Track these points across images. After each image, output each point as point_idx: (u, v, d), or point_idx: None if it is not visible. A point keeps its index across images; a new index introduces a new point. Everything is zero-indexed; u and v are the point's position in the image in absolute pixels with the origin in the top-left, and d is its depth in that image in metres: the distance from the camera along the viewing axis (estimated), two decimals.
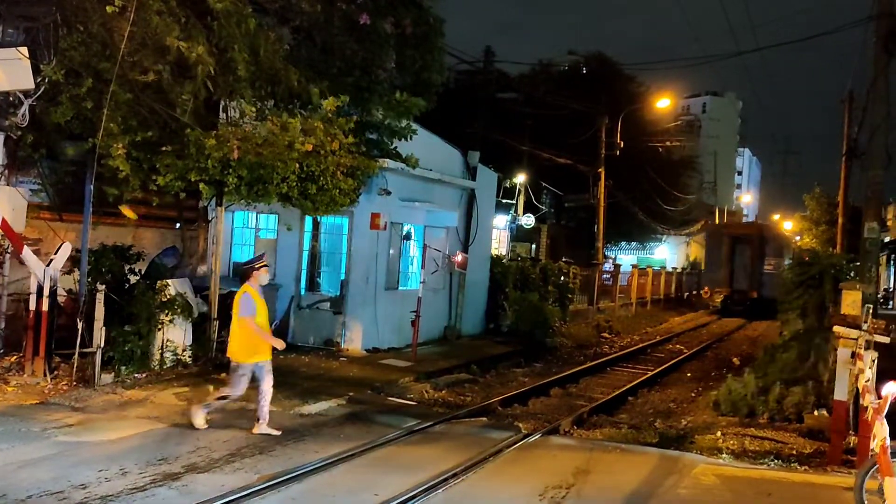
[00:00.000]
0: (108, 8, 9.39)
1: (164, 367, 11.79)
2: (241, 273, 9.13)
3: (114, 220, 13.41)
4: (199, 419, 8.83)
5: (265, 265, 9.10)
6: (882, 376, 7.75)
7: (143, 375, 11.30)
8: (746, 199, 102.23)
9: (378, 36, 13.55)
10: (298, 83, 11.74)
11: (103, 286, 10.95)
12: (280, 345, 8.95)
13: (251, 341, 8.76)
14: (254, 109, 11.39)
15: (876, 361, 8.00)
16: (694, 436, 10.68)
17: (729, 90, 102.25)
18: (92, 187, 11.04)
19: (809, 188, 42.53)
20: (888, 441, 5.79)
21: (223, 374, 11.87)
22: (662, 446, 9.85)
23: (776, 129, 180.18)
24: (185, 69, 10.73)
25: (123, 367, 11.16)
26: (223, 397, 8.92)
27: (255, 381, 8.92)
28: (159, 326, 11.73)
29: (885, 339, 8.91)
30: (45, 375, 10.57)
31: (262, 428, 8.83)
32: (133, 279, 12.07)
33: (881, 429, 5.93)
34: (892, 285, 40.53)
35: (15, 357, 11.28)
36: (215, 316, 12.70)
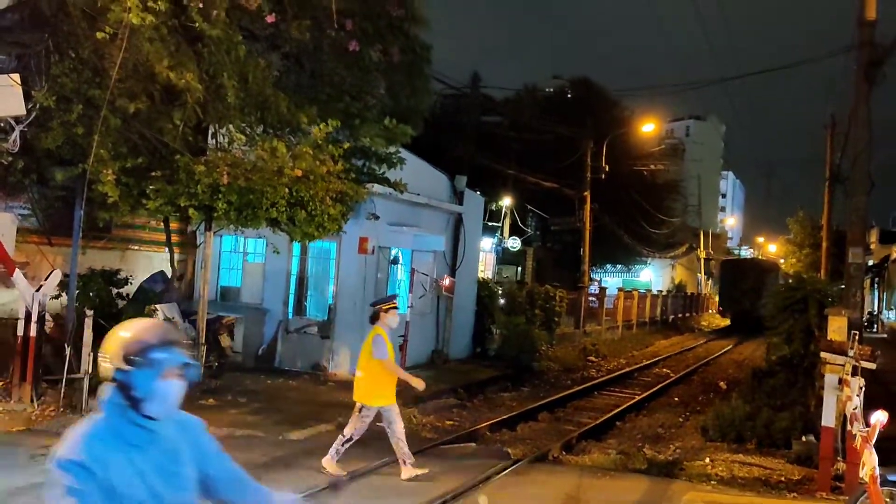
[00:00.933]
0: (98, 34, 9.43)
1: None
2: (371, 314, 8.80)
3: (103, 245, 13.39)
4: (334, 467, 8.54)
5: (394, 307, 8.81)
6: (870, 402, 7.83)
7: None
8: (730, 223, 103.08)
9: (366, 63, 13.65)
10: (288, 109, 11.80)
11: (91, 311, 10.91)
12: (420, 385, 8.74)
13: (380, 384, 8.54)
14: (243, 137, 11.43)
15: (863, 388, 8.08)
16: (683, 462, 10.72)
17: (712, 114, 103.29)
18: (82, 212, 11.03)
19: (793, 211, 43.03)
20: (877, 470, 5.85)
21: (210, 400, 11.88)
22: (652, 472, 9.88)
23: (759, 153, 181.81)
24: (174, 95, 10.77)
25: None
26: (348, 440, 8.60)
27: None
28: None
29: (872, 365, 9.00)
30: (32, 402, 10.50)
31: (410, 471, 8.56)
32: (121, 304, 12.04)
33: (870, 457, 5.99)
34: (876, 309, 40.85)
35: (1, 383, 11.20)
36: (203, 341, 12.67)
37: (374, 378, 8.54)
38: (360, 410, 8.57)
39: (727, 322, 46.64)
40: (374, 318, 8.78)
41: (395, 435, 8.56)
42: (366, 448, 10.07)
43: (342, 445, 8.61)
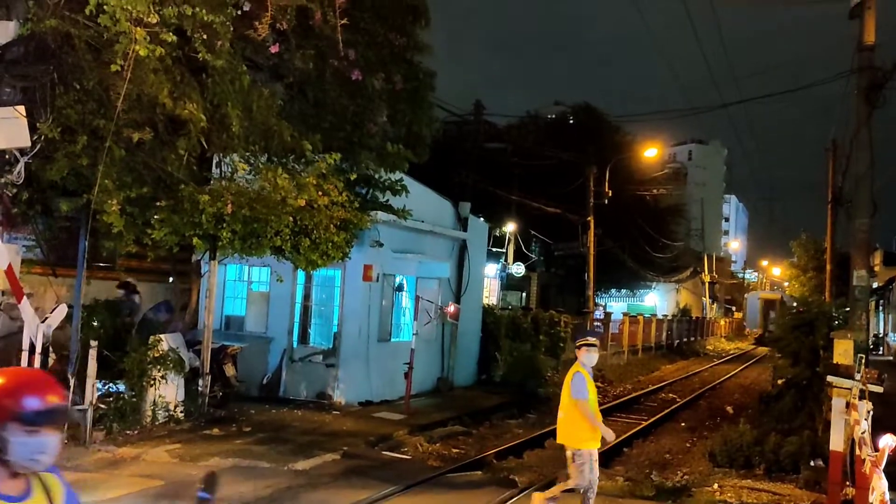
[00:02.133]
0: (112, 67, 9.49)
1: (157, 423, 11.69)
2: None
3: (106, 275, 13.41)
4: None
5: (589, 344, 8.33)
6: (878, 426, 7.77)
7: (135, 432, 11.20)
8: (734, 246, 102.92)
9: (369, 91, 13.74)
10: (291, 138, 11.87)
11: (95, 342, 10.91)
12: (610, 435, 8.16)
13: (586, 425, 7.99)
14: (246, 167, 11.49)
15: (871, 412, 8.03)
16: (691, 488, 10.63)
17: (714, 138, 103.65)
18: (86, 243, 11.07)
19: (796, 234, 42.95)
20: (887, 495, 5.79)
21: (215, 430, 11.83)
22: (660, 499, 9.80)
23: (762, 177, 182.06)
24: (179, 126, 10.84)
25: (115, 425, 11.07)
26: (569, 490, 8.03)
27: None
28: (151, 382, 11.67)
29: (879, 389, 8.95)
30: None
31: None
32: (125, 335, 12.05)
33: (879, 482, 5.93)
34: (882, 331, 40.66)
35: None
36: (207, 371, 12.65)
37: (579, 418, 7.99)
38: (574, 458, 7.95)
39: (734, 346, 50.65)
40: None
41: (592, 482, 7.96)
42: (366, 481, 9.99)
43: (561, 493, 8.06)
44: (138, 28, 9.08)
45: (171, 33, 9.39)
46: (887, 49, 13.99)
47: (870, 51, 13.38)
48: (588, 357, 8.25)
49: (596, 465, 8.01)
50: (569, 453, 8.01)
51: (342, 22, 10.65)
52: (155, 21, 9.10)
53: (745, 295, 76.98)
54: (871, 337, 34.20)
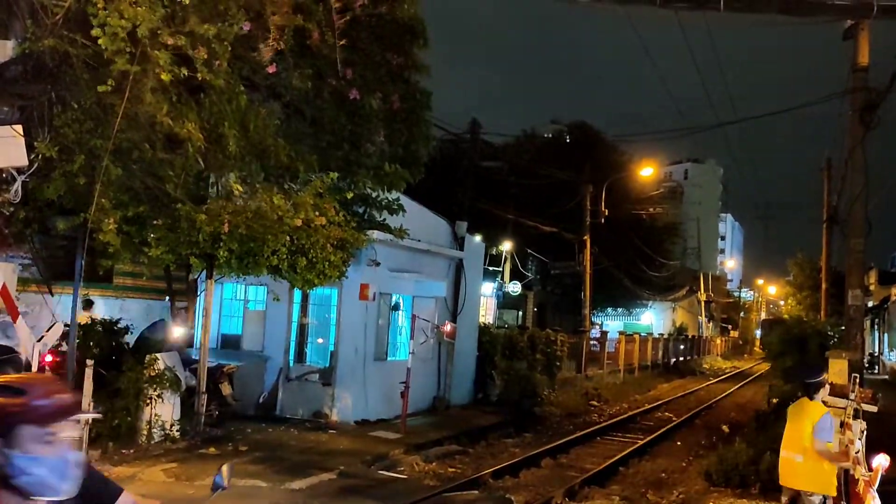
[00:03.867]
0: (100, 88, 9.54)
1: (153, 442, 11.66)
2: (813, 385, 7.52)
3: (101, 292, 13.41)
4: None
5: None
6: (872, 445, 7.78)
7: (131, 451, 11.17)
8: (730, 265, 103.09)
9: (367, 111, 13.80)
10: (288, 157, 11.92)
11: (91, 360, 10.90)
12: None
13: (828, 468, 7.31)
14: (241, 189, 11.52)
15: (865, 431, 8.03)
16: None
17: (710, 157, 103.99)
18: (83, 262, 11.07)
19: (792, 253, 43.10)
20: None
21: (211, 449, 11.80)
22: None
23: (758, 196, 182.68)
24: (176, 144, 10.88)
25: (111, 443, 11.03)
26: None
27: None
28: (147, 401, 11.64)
29: (873, 408, 8.96)
30: None
31: None
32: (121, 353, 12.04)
33: (873, 502, 5.95)
34: (877, 350, 40.70)
35: None
36: (204, 389, 12.62)
37: (819, 461, 7.27)
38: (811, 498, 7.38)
39: (730, 364, 50.25)
40: (813, 391, 7.51)
41: None
42: (362, 501, 9.97)
43: None
44: (160, 52, 9.15)
45: (167, 54, 9.44)
46: (882, 69, 14.13)
47: (864, 71, 13.50)
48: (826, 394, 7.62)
49: None
50: (817, 499, 7.38)
51: (341, 43, 10.71)
52: (171, 42, 9.17)
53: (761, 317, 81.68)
54: (867, 356, 34.25)
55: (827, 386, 7.50)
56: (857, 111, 13.05)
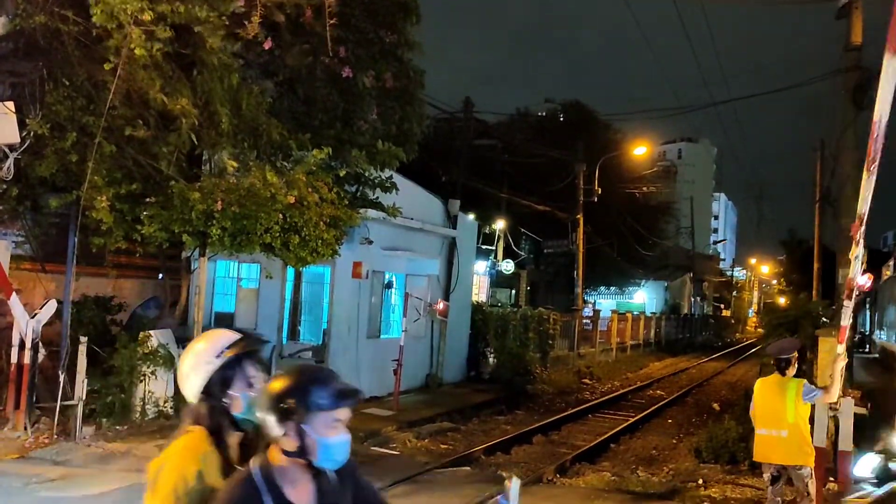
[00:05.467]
0: (105, 66, 9.49)
1: (146, 418, 11.71)
2: (784, 362, 7.43)
3: (95, 271, 13.41)
4: None
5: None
6: (864, 424, 7.85)
7: (125, 428, 11.23)
8: (723, 244, 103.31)
9: (359, 89, 13.76)
10: (280, 136, 11.90)
11: (85, 338, 10.93)
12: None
13: (808, 439, 7.42)
14: (234, 165, 11.50)
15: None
16: (677, 483, 10.73)
17: (704, 137, 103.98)
18: (76, 239, 11.08)
19: (785, 232, 43.21)
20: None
21: None
22: (645, 495, 9.89)
23: (751, 175, 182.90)
24: (169, 121, 10.86)
25: (105, 420, 11.09)
26: None
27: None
28: (141, 378, 11.69)
29: (863, 411, 9.04)
30: (25, 429, 10.49)
31: None
32: (115, 330, 12.06)
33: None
34: (868, 329, 40.94)
35: None
36: None
37: (803, 433, 7.36)
38: (805, 473, 7.37)
39: (722, 343, 51.62)
40: (785, 366, 7.45)
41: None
42: None
43: None
44: (135, 27, 9.11)
45: (164, 28, 9.40)
46: (876, 48, 14.13)
47: (857, 51, 13.50)
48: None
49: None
50: (806, 472, 7.38)
51: (331, 22, 10.66)
52: (149, 18, 9.12)
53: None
54: (857, 335, 34.46)
55: (795, 364, 7.50)
56: (849, 91, 13.07)
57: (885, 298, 35.29)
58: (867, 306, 41.89)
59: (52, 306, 10.90)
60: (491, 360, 20.92)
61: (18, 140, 10.30)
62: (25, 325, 10.53)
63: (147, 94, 10.21)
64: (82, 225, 11.04)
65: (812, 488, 7.38)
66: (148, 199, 11.46)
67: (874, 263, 41.80)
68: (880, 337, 37.58)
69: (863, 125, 13.66)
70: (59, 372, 10.64)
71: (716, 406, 19.04)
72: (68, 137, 10.32)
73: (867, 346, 37.92)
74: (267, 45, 11.62)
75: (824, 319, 14.24)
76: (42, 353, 11.17)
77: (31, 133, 10.32)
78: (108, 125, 10.27)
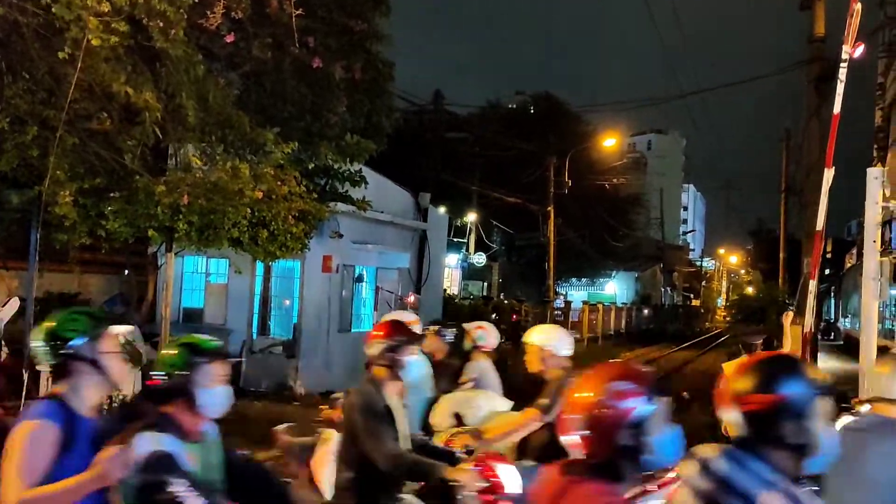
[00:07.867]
0: (60, 55, 9.32)
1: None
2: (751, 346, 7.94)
3: (59, 267, 13.21)
4: None
5: None
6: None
7: None
8: (692, 234, 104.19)
9: (328, 81, 13.67)
10: (251, 129, 11.77)
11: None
12: None
13: None
14: (198, 161, 11.35)
15: None
16: None
17: (673, 128, 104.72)
18: (38, 235, 10.88)
19: (753, 223, 43.69)
20: None
21: None
22: None
23: (719, 166, 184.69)
24: (132, 115, 10.69)
25: None
26: None
27: None
28: None
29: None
30: None
31: None
32: None
33: None
34: (833, 317, 41.56)
35: None
36: None
37: None
38: None
39: (692, 332, 50.73)
40: (752, 350, 7.73)
41: None
42: None
43: None
44: (91, 17, 8.93)
45: (123, 21, 9.25)
46: (838, 39, 14.29)
47: (820, 42, 13.65)
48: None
49: None
50: None
51: (297, 12, 10.55)
52: (107, 10, 8.95)
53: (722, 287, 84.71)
54: (822, 323, 34.97)
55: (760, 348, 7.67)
56: (812, 81, 13.21)
57: (850, 286, 35.85)
58: (832, 294, 42.52)
59: (14, 304, 10.70)
60: None
61: None
62: None
63: (110, 87, 10.04)
64: (45, 221, 10.84)
65: None
66: (112, 194, 11.29)
67: (838, 252, 42.48)
68: (845, 325, 38.20)
69: (827, 115, 13.83)
70: (23, 370, 10.45)
71: (685, 394, 19.17)
72: (29, 131, 10.10)
73: (832, 333, 38.48)
74: (229, 39, 11.46)
75: (790, 307, 14.42)
76: (5, 351, 10.97)
77: None
78: (70, 118, 10.09)
